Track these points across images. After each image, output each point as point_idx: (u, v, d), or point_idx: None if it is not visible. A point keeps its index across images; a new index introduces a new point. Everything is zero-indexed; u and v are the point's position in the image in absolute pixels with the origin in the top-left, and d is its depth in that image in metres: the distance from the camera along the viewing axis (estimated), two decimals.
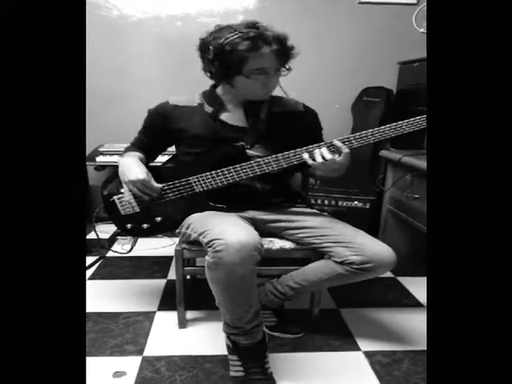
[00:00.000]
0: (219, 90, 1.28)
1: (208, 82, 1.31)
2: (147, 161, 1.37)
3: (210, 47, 1.13)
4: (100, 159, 2.15)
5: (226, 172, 1.21)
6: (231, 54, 1.10)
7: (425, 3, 2.21)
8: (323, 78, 2.49)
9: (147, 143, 1.37)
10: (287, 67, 1.19)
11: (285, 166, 1.17)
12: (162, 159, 1.52)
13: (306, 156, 1.13)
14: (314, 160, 1.11)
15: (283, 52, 1.15)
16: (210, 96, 1.29)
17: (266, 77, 1.16)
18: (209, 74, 1.21)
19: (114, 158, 2.11)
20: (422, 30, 2.15)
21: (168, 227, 1.34)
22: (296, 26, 2.40)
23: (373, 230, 1.95)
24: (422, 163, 1.62)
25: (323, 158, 1.10)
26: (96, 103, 2.31)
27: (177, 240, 1.40)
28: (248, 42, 1.09)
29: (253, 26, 1.12)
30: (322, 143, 1.13)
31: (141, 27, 2.36)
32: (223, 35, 1.11)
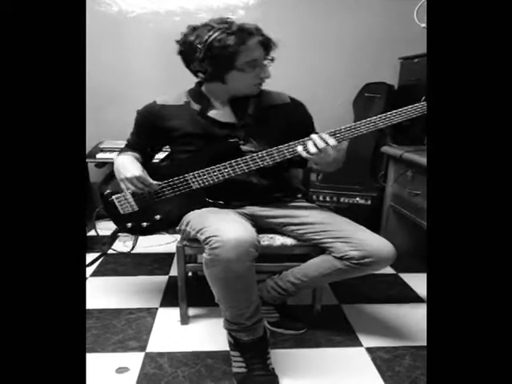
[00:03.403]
0: (204, 88, 1.28)
1: None
2: (145, 160, 1.37)
3: (198, 47, 1.11)
4: (100, 156, 2.14)
5: (221, 168, 1.21)
6: (221, 50, 1.10)
7: None
8: (324, 74, 2.48)
9: (141, 143, 1.36)
10: (271, 57, 1.19)
11: (278, 159, 1.17)
12: (158, 156, 1.50)
13: (299, 149, 1.12)
14: (308, 152, 1.10)
15: (267, 41, 1.16)
16: (196, 94, 1.29)
17: (258, 68, 1.17)
18: (201, 74, 1.18)
19: (115, 155, 2.11)
20: (423, 25, 2.13)
21: (168, 225, 1.34)
22: (296, 22, 2.40)
23: (374, 227, 1.94)
24: (422, 159, 1.62)
25: (316, 147, 1.08)
26: (96, 99, 2.30)
27: (178, 237, 1.40)
28: (234, 37, 1.09)
29: (226, 21, 1.12)
30: (312, 136, 1.11)
31: (140, 23, 2.35)
32: (204, 33, 1.10)
